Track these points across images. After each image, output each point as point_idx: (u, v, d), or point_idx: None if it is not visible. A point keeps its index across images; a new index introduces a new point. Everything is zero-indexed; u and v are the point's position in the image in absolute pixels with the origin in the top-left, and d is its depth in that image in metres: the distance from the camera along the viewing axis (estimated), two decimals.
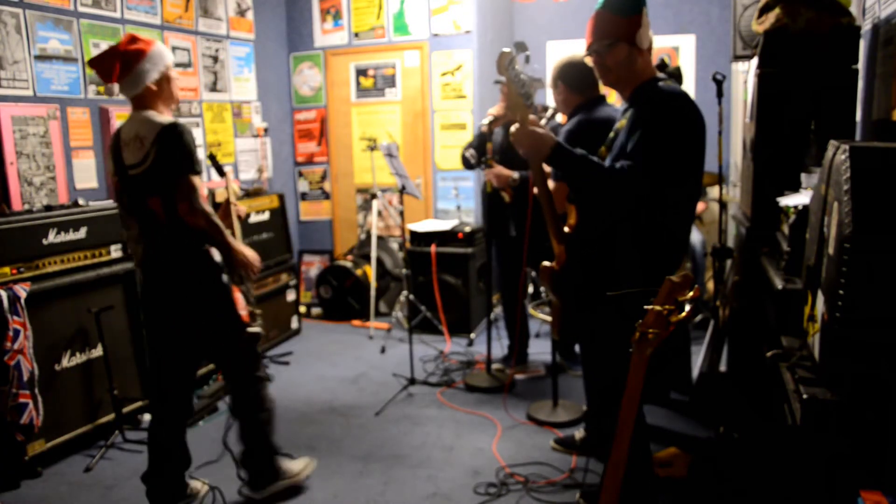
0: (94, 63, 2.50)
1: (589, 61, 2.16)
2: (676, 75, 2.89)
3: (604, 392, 2.36)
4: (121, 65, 2.43)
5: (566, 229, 2.23)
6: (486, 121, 3.66)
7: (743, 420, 2.89)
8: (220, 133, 5.00)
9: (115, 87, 2.52)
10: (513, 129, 2.04)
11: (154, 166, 2.41)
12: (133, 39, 2.50)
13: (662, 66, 2.82)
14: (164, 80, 2.52)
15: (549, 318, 2.44)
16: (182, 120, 4.54)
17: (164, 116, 2.48)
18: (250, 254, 2.63)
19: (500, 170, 3.71)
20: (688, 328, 3.69)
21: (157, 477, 2.64)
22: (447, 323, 4.78)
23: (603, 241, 2.13)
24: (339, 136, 5.87)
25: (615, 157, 2.08)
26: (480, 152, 3.80)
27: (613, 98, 3.24)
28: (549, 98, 3.31)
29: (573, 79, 3.01)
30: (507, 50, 2.09)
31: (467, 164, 3.96)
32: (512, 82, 2.05)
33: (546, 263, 2.28)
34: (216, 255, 2.55)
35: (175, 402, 2.68)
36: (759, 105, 2.77)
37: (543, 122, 3.29)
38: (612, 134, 2.19)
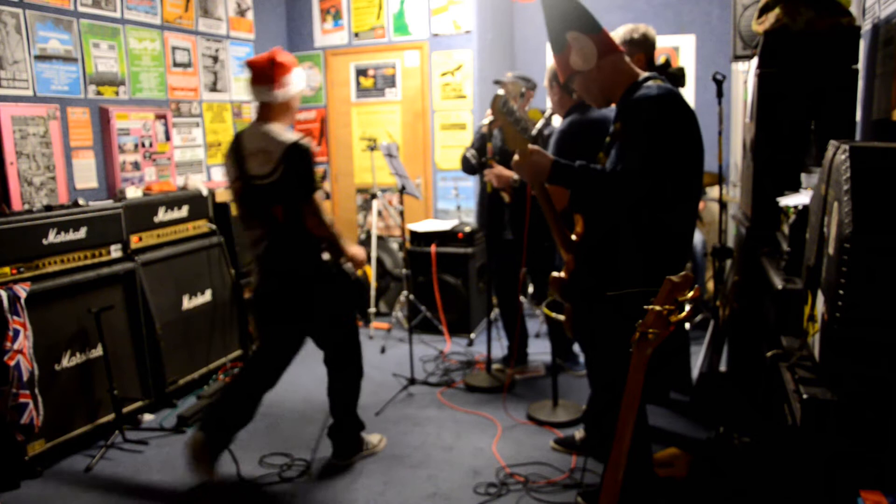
0: (252, 64, 2.72)
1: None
2: (679, 76, 2.89)
3: (604, 392, 2.36)
4: (275, 73, 2.67)
5: (573, 237, 2.23)
6: (485, 121, 3.66)
7: (743, 420, 2.89)
8: (219, 133, 5.00)
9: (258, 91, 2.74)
10: (514, 159, 2.10)
11: (281, 181, 2.64)
12: (283, 54, 2.73)
13: (666, 66, 2.82)
14: (295, 100, 2.78)
15: (561, 317, 2.46)
16: (182, 120, 4.60)
17: (288, 133, 2.68)
18: (358, 251, 2.91)
19: (501, 170, 3.70)
20: (685, 329, 3.68)
21: (222, 423, 2.81)
22: (447, 323, 4.78)
23: (606, 241, 2.13)
24: (339, 136, 5.88)
25: (614, 162, 2.08)
26: (480, 153, 3.80)
27: None
28: (548, 102, 3.32)
29: None
30: (500, 93, 2.22)
31: (468, 167, 3.95)
32: (508, 122, 2.10)
33: (555, 274, 2.29)
34: (325, 255, 2.83)
35: (270, 374, 2.91)
36: (759, 105, 2.77)
37: (540, 124, 3.29)
38: (608, 139, 2.20)
